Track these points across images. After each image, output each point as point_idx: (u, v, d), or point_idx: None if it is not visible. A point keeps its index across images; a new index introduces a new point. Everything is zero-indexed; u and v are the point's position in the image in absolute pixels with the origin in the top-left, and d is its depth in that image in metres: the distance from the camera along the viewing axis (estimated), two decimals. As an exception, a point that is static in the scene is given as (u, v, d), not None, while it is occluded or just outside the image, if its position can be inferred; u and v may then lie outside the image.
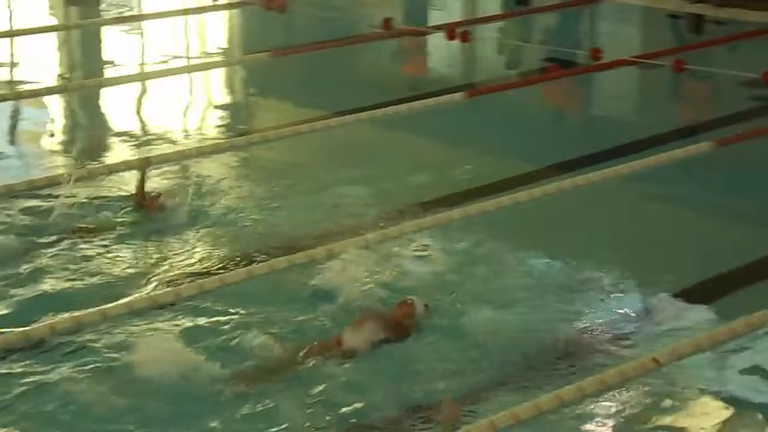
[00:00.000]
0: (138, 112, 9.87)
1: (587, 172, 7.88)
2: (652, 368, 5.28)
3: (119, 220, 6.93)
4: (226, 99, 10.53)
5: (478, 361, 5.32)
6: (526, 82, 10.53)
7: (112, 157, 8.37)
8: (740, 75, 9.99)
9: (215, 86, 10.96)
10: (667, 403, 5.07)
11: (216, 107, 10.15)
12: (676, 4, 13.88)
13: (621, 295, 6.08)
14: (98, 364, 5.25)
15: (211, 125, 9.45)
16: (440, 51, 11.94)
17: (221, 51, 12.22)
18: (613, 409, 5.00)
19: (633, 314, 5.88)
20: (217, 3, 13.60)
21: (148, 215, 6.96)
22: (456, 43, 11.19)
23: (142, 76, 10.80)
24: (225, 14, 13.79)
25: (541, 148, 8.64)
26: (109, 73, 10.92)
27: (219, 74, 11.19)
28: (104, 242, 6.58)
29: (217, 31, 13.33)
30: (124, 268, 6.29)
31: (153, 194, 7.12)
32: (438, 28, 12.10)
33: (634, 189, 7.79)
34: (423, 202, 7.36)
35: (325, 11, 13.36)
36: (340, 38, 11.91)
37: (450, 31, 10.95)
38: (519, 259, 6.42)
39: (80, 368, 5.20)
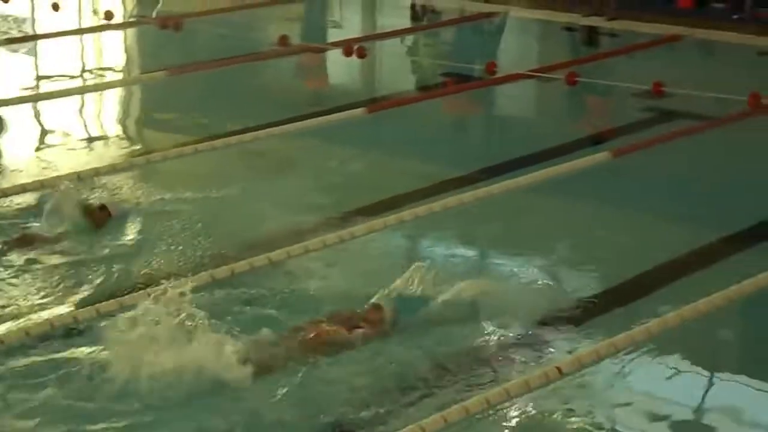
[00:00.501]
0: (33, 134, 9.69)
1: (489, 185, 8.00)
2: (556, 377, 5.36)
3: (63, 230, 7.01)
4: (124, 119, 10.39)
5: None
6: (425, 96, 10.62)
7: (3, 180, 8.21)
8: (632, 86, 10.22)
9: (112, 106, 10.81)
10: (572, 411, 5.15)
11: (113, 127, 10.02)
12: (571, 18, 14.18)
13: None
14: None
15: (108, 145, 9.32)
16: (340, 67, 11.99)
17: (117, 71, 12.08)
18: (516, 420, 5.06)
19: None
20: (112, 23, 13.44)
21: (95, 226, 7.08)
22: (355, 59, 11.25)
23: (37, 97, 10.62)
24: (120, 33, 13.64)
25: (443, 161, 8.72)
26: (1, 94, 10.71)
27: (115, 94, 11.05)
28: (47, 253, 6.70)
29: (112, 50, 13.17)
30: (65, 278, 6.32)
31: (98, 205, 7.24)
32: (335, 44, 12.14)
33: (535, 200, 7.90)
34: (328, 218, 7.38)
35: (221, 29, 13.30)
36: (237, 56, 11.87)
37: (347, 47, 11.00)
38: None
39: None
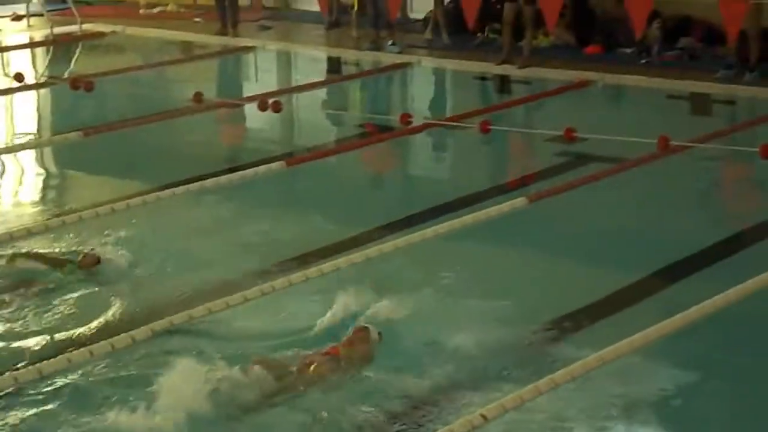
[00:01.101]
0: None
1: (408, 234, 8.07)
2: (479, 424, 5.40)
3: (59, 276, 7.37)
4: (38, 181, 10.26)
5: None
6: (341, 148, 10.70)
7: None
8: (545, 132, 10.42)
9: (26, 168, 10.67)
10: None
11: (27, 190, 9.90)
12: (483, 67, 14.42)
13: (441, 348, 6.23)
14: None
15: (22, 208, 9.21)
16: (257, 122, 12.02)
17: (29, 133, 11.95)
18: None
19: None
20: (23, 84, 13.31)
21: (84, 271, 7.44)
22: (271, 113, 11.30)
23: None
24: (32, 95, 13.52)
25: (362, 212, 8.79)
26: None
27: (29, 156, 10.92)
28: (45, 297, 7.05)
29: (24, 113, 13.04)
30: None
31: (88, 252, 7.58)
32: (250, 99, 12.19)
33: (454, 247, 7.98)
34: (247, 273, 7.37)
35: (134, 88, 13.26)
36: (151, 114, 11.85)
37: (262, 102, 11.04)
38: (344, 321, 6.46)
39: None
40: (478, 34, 15.82)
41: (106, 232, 8.13)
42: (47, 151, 11.18)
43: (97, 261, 7.50)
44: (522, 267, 7.64)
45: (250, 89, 14.05)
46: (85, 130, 11.06)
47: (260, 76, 15.58)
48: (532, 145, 10.74)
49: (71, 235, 8.18)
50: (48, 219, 8.66)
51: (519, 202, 8.75)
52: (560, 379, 5.83)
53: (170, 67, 15.20)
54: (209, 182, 9.37)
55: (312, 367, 5.69)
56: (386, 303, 6.54)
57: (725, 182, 10.28)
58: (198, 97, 11.57)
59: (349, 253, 7.70)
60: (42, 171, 10.62)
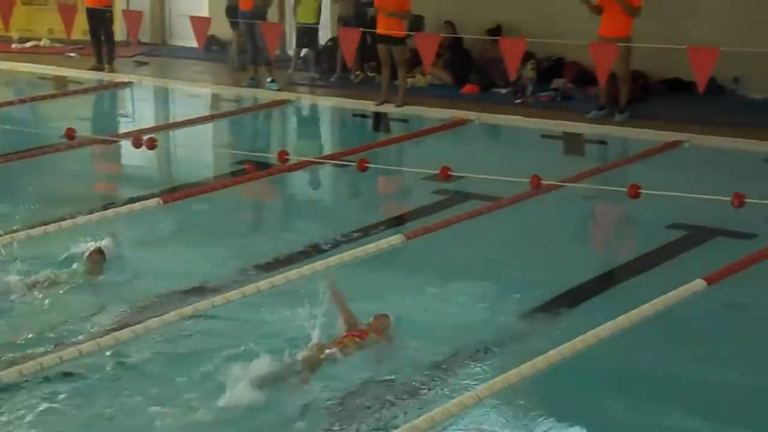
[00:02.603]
0: None
1: (285, 272, 8.09)
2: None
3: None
4: None
5: None
6: (218, 186, 10.66)
7: None
8: (422, 171, 10.57)
9: None
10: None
11: None
12: (362, 105, 14.58)
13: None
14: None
15: None
16: (132, 159, 11.90)
17: None
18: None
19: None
20: None
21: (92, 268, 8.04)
22: (146, 150, 11.20)
23: None
24: None
25: (236, 250, 8.76)
26: None
27: None
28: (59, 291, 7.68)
29: None
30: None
31: (94, 248, 8.15)
32: (125, 136, 12.06)
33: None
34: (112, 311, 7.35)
35: (5, 124, 12.98)
36: (22, 150, 11.63)
37: (136, 138, 10.92)
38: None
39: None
40: (357, 72, 16.01)
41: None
42: None
43: (103, 258, 8.09)
44: (396, 303, 7.70)
45: (125, 125, 13.92)
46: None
47: (136, 112, 15.45)
48: (409, 183, 10.87)
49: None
50: None
51: (395, 239, 8.86)
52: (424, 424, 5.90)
53: (43, 103, 14.95)
54: (81, 219, 9.24)
55: (345, 346, 6.62)
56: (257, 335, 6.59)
57: (596, 221, 10.57)
58: (70, 133, 11.40)
59: (226, 291, 7.70)
60: None
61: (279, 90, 15.20)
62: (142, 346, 6.88)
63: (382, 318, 6.95)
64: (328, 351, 6.51)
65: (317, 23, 15.75)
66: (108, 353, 6.71)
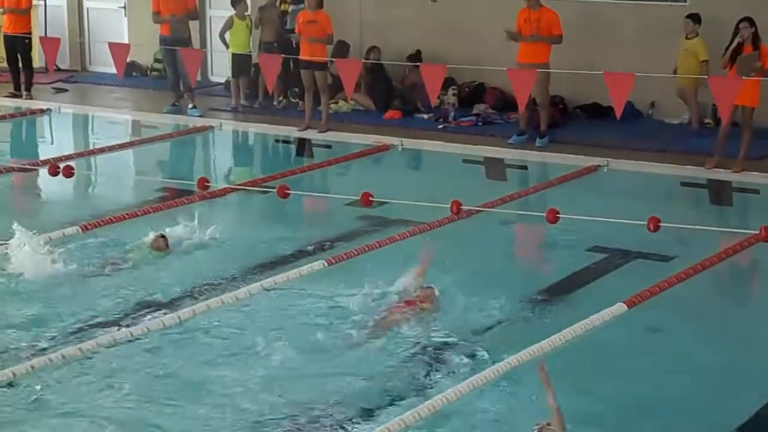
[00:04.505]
0: None
1: (204, 300, 8.08)
2: None
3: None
4: None
5: None
6: (137, 213, 10.49)
7: None
8: (344, 197, 10.55)
9: None
10: None
11: None
12: (285, 131, 14.53)
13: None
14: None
15: None
16: (50, 187, 11.69)
17: None
18: None
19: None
20: None
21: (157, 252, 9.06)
22: (63, 178, 11.02)
23: None
24: None
25: (158, 279, 8.68)
26: None
27: None
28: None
29: None
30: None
31: (158, 234, 9.11)
32: (41, 164, 11.84)
33: (249, 314, 8.00)
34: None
35: None
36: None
37: (52, 166, 10.71)
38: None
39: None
40: (281, 98, 15.96)
41: None
42: None
43: (166, 244, 9.07)
44: (317, 328, 7.69)
45: (43, 153, 13.68)
46: None
47: (54, 139, 15.20)
48: (331, 209, 10.84)
49: None
50: None
51: (317, 265, 8.82)
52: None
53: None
54: (-2, 249, 9.05)
55: (398, 315, 7.63)
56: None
57: (516, 245, 10.63)
58: (-16, 159, 11.17)
59: (140, 322, 7.66)
60: None
61: (200, 116, 15.08)
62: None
63: (428, 290, 7.88)
64: (383, 320, 7.53)
65: (250, 51, 15.64)
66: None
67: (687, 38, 13.72)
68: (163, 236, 9.16)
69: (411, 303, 7.82)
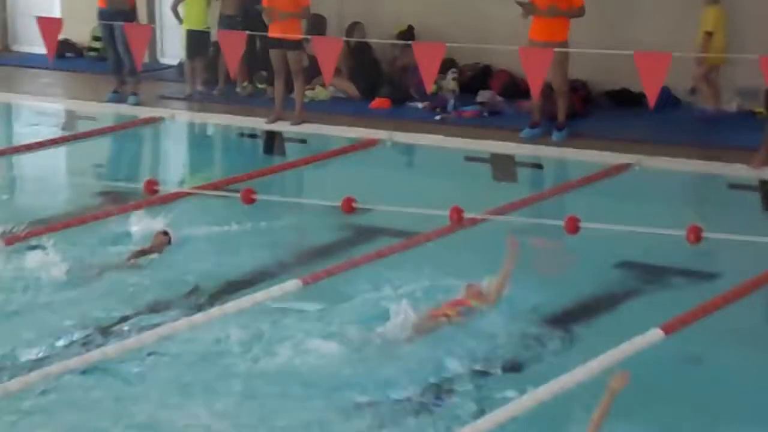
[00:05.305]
0: None
1: (172, 321, 8.27)
2: None
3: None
4: None
5: None
6: (77, 220, 10.52)
7: None
8: (322, 203, 10.58)
9: None
10: None
11: None
12: (251, 123, 14.56)
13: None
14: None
15: None
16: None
17: None
18: None
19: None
20: None
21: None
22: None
23: None
24: None
25: (112, 297, 8.82)
26: None
27: None
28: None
29: None
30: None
31: (159, 231, 9.72)
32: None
33: (221, 333, 8.15)
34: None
35: None
36: None
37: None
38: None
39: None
40: (245, 84, 15.99)
41: None
42: None
43: (168, 241, 9.66)
44: (292, 349, 7.82)
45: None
46: None
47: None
48: (306, 218, 10.87)
49: None
50: None
51: (290, 285, 8.87)
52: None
53: None
54: None
55: (452, 313, 8.25)
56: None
57: (530, 260, 10.63)
58: None
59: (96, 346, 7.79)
60: None
61: (137, 105, 15.09)
62: None
63: (472, 287, 8.46)
64: (435, 319, 8.13)
65: (207, 27, 15.67)
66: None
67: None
68: (165, 233, 9.73)
69: (459, 303, 8.33)
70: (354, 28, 15.89)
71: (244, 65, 15.25)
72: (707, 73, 14.08)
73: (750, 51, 12.24)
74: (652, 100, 11.32)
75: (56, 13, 17.50)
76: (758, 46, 12.55)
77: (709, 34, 13.67)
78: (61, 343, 8.01)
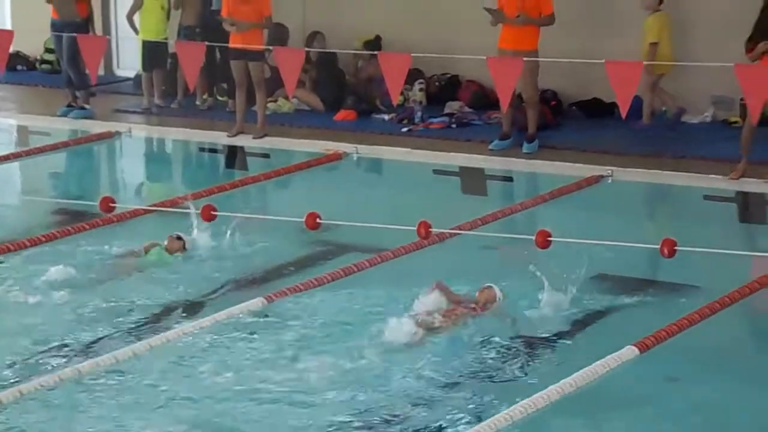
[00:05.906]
0: None
1: (143, 339, 8.31)
2: None
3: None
4: None
5: None
6: (25, 243, 10.48)
7: None
8: (286, 219, 10.59)
9: None
10: None
11: None
12: (211, 137, 14.56)
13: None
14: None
15: None
16: None
17: None
18: None
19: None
20: None
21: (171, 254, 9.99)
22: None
23: None
24: None
25: (73, 319, 8.81)
26: None
27: None
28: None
29: None
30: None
31: (173, 236, 10.03)
32: None
33: (189, 351, 8.23)
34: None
35: None
36: None
37: None
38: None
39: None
40: (205, 97, 15.99)
41: None
42: None
43: (183, 246, 9.97)
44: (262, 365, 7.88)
45: None
46: None
47: None
48: (270, 234, 10.87)
49: None
50: None
51: (254, 304, 8.88)
52: None
53: None
54: None
55: (458, 315, 8.61)
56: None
57: (500, 275, 10.68)
58: None
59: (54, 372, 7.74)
60: None
61: (85, 119, 15.05)
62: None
63: (487, 291, 8.85)
64: (442, 320, 8.46)
65: (165, 38, 15.65)
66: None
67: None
68: (179, 237, 10.01)
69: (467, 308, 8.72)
70: (314, 38, 15.92)
71: (203, 77, 15.25)
72: (655, 82, 14.14)
73: (695, 58, 12.43)
74: (624, 110, 11.37)
75: (7, 25, 17.46)
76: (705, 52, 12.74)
77: (654, 45, 13.78)
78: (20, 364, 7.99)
